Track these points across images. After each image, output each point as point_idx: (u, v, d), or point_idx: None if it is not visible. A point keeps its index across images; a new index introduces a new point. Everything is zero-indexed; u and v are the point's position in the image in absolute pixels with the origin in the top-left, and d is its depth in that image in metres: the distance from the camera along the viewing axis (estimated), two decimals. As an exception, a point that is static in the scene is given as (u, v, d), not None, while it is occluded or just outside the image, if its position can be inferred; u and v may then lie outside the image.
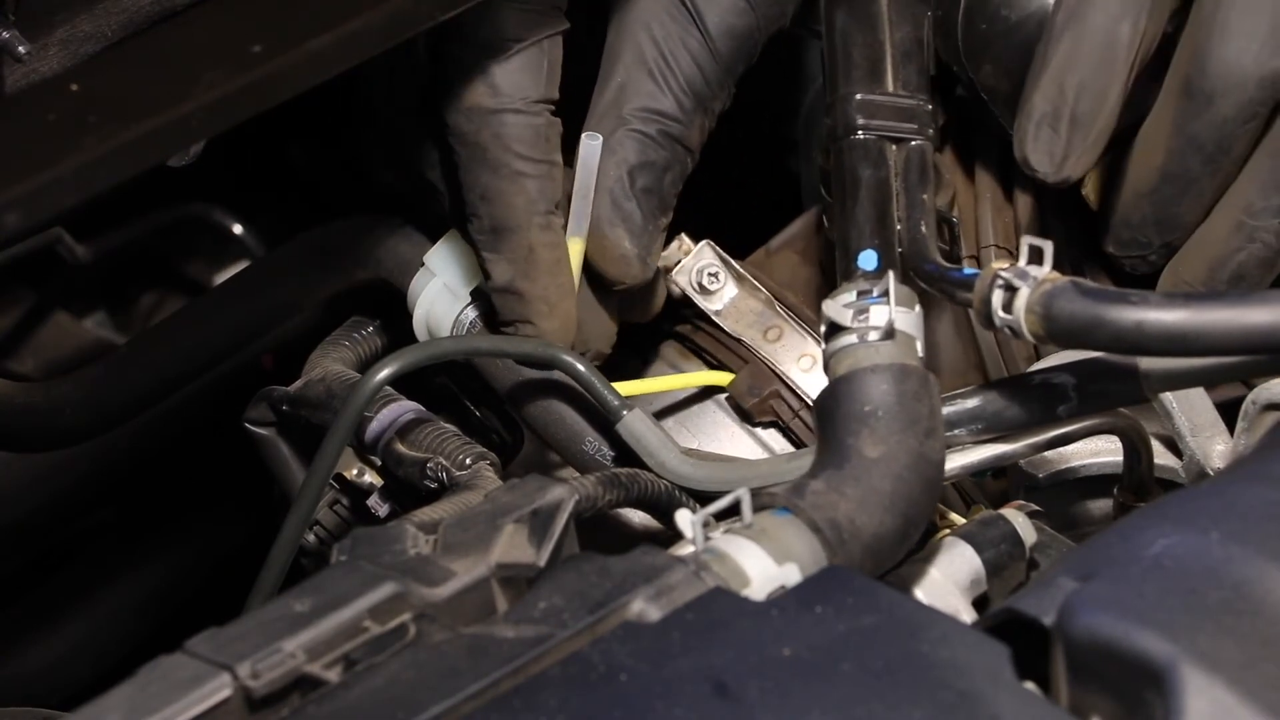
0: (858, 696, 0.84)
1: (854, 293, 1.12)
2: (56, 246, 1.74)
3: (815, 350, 1.37)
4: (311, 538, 1.36)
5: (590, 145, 1.28)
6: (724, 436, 1.41)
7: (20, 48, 1.04)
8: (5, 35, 1.03)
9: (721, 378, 1.40)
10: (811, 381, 1.38)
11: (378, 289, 1.39)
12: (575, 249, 1.29)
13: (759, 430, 1.39)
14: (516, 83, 1.26)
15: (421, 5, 1.12)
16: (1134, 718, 0.84)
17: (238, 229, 1.86)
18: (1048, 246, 1.06)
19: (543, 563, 0.98)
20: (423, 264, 1.33)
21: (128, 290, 1.89)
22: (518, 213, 1.27)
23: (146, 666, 0.91)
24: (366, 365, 1.35)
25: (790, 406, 1.38)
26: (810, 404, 1.37)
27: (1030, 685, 0.87)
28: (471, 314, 1.31)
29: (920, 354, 1.10)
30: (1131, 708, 0.84)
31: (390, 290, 1.37)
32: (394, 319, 1.40)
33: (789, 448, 1.38)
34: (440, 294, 1.32)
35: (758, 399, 1.38)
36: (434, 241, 1.35)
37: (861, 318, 1.11)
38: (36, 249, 1.72)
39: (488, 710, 0.87)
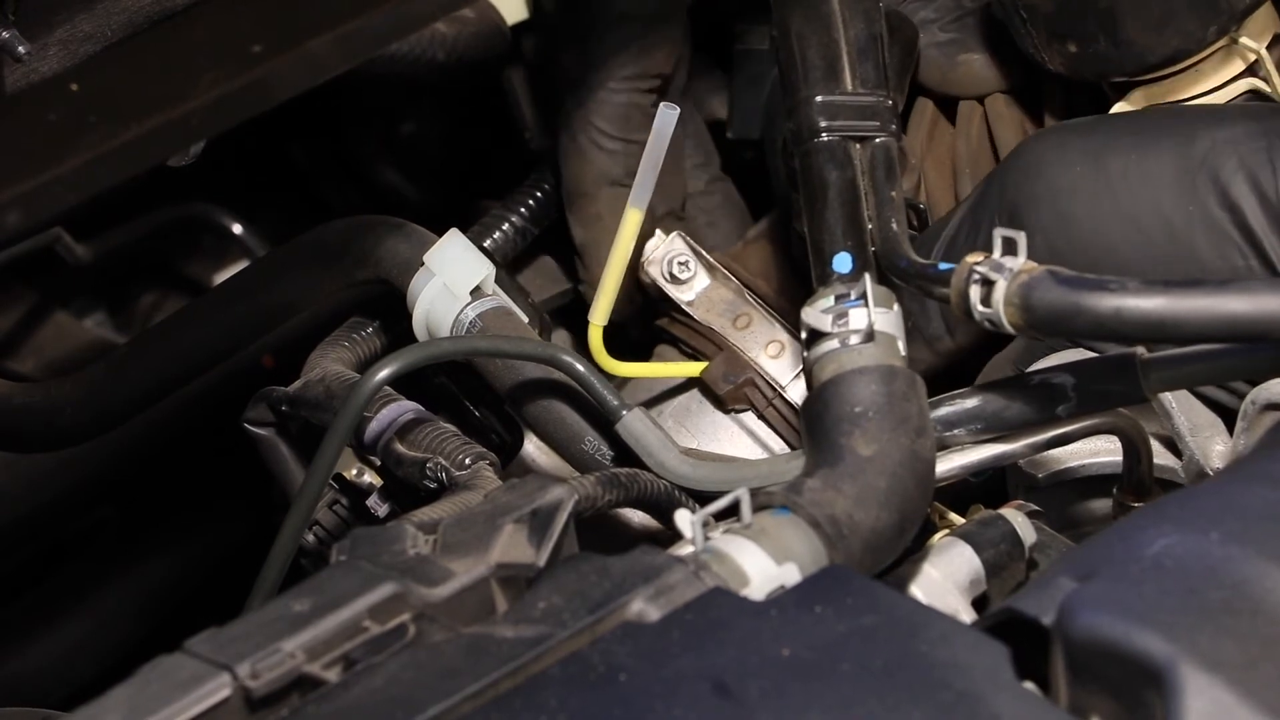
0: (857, 696, 0.84)
1: (831, 297, 1.12)
2: (56, 246, 1.74)
3: (784, 337, 1.38)
4: (311, 538, 1.35)
5: (667, 115, 1.26)
6: (722, 433, 1.41)
7: (20, 48, 1.04)
8: (5, 35, 1.03)
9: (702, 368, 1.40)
10: (779, 368, 1.38)
11: (377, 289, 1.39)
12: (633, 219, 1.28)
13: (742, 416, 1.40)
14: (614, 59, 1.37)
15: (422, 5, 1.12)
16: (1134, 718, 0.84)
17: (238, 229, 1.86)
18: (1020, 237, 1.06)
19: (542, 563, 0.98)
20: (422, 264, 1.33)
21: (128, 290, 1.90)
22: (586, 182, 1.40)
23: (146, 666, 0.91)
24: (366, 365, 1.35)
25: (764, 394, 1.38)
26: (781, 392, 1.37)
27: (1030, 685, 0.87)
28: (471, 314, 1.31)
29: (903, 353, 1.10)
30: (1131, 708, 0.84)
31: (390, 290, 1.37)
32: (394, 319, 1.40)
33: (775, 436, 1.39)
34: (440, 294, 1.32)
35: (732, 386, 1.38)
36: (434, 241, 1.35)
37: (841, 322, 1.11)
38: (36, 249, 1.72)
39: (487, 710, 0.87)
